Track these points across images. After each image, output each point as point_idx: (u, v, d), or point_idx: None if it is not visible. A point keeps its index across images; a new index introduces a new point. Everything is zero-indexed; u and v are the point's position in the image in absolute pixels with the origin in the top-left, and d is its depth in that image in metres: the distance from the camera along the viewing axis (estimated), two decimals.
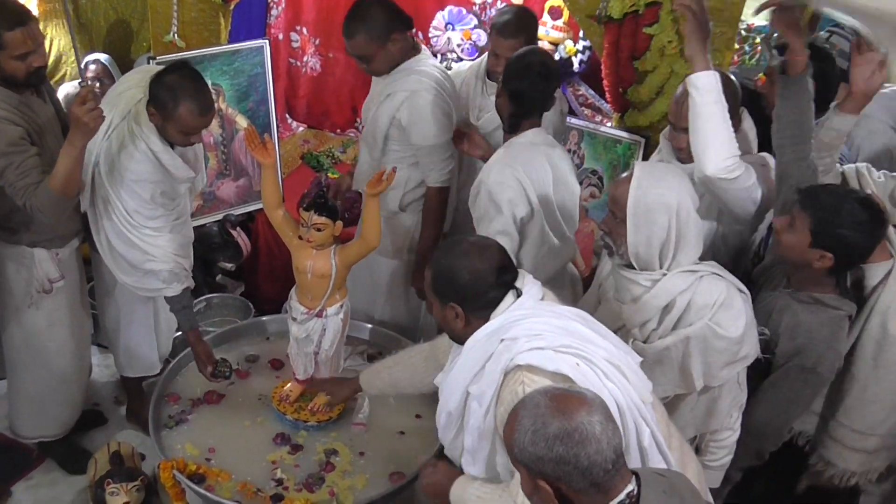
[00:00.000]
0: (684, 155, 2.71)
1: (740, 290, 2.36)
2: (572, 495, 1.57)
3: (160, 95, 2.74)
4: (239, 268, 4.25)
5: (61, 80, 4.68)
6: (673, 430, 2.18)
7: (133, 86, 2.87)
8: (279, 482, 2.71)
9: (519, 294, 2.11)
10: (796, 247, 2.36)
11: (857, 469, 2.66)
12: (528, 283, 2.14)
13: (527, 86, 2.81)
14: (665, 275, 2.31)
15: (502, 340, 2.01)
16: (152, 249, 2.92)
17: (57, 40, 4.70)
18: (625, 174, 2.35)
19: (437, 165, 3.25)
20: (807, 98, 2.49)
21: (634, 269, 2.35)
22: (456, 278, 2.10)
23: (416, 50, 3.22)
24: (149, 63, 3.59)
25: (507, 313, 2.07)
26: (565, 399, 1.61)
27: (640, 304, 2.34)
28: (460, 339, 2.16)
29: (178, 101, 2.71)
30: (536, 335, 1.98)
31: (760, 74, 3.60)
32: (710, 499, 2.07)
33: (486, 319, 2.09)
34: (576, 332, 2.01)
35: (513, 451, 1.62)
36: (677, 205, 2.25)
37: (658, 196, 2.26)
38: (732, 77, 2.74)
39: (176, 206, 2.99)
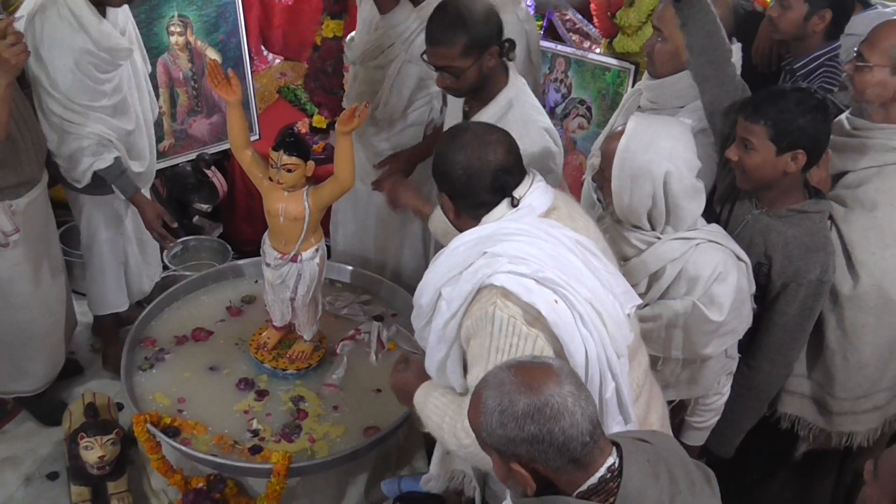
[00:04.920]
0: (652, 66, 2.61)
1: (739, 259, 2.24)
2: (550, 475, 1.46)
3: None
4: (215, 209, 4.14)
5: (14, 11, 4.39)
6: (651, 379, 2.09)
7: None
8: (255, 433, 2.65)
9: (514, 203, 1.97)
10: (764, 163, 2.23)
11: (876, 425, 2.58)
12: (535, 192, 1.99)
13: None
14: (659, 238, 2.19)
15: (485, 253, 1.88)
16: (80, 130, 2.82)
17: None
18: (619, 128, 2.19)
19: None
20: (710, 16, 2.31)
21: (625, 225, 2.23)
22: (450, 170, 1.98)
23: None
24: None
25: (501, 222, 1.95)
26: (530, 372, 1.48)
27: (628, 266, 2.22)
28: (458, 229, 2.05)
29: None
30: (521, 258, 1.84)
31: None
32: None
33: (478, 220, 1.99)
34: (566, 264, 1.87)
35: (481, 435, 1.49)
36: (665, 174, 2.09)
37: (645, 163, 2.10)
38: None
39: (113, 86, 2.86)
